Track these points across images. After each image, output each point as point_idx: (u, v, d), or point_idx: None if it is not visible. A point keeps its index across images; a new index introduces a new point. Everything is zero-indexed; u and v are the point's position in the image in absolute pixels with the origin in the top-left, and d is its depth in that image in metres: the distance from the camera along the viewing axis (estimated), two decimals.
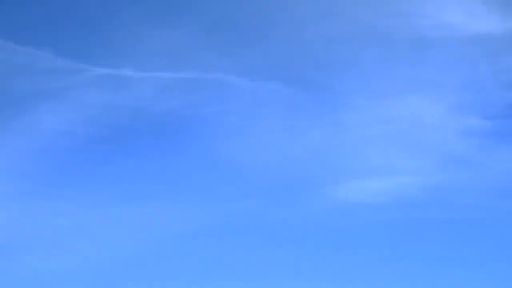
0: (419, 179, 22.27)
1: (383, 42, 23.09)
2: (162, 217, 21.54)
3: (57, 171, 22.22)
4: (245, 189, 22.30)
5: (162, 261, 20.93)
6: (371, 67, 23.41)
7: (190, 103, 23.31)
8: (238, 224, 21.61)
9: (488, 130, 23.36)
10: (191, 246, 21.22)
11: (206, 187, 22.33)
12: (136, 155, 22.85)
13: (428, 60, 23.32)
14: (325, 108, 23.44)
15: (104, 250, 20.92)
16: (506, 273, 21.15)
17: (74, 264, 20.53)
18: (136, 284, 20.57)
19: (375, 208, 21.64)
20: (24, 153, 22.01)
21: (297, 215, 21.60)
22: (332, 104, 23.43)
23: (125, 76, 23.35)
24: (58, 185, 21.94)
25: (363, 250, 21.52)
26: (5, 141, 22.07)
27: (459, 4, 22.92)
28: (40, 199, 21.46)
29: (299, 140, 23.12)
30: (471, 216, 21.91)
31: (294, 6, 23.02)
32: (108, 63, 23.30)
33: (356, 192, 22.00)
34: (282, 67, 23.58)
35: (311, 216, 21.56)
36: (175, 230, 21.27)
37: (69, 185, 22.26)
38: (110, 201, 21.72)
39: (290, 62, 23.56)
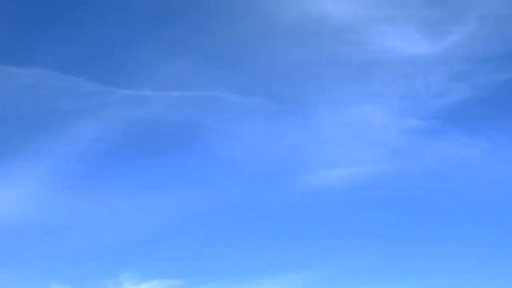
0: (369, 168, 26.52)
1: (340, 64, 26.82)
2: (174, 202, 26.04)
3: (93, 169, 26.66)
4: (237, 179, 26.49)
5: (176, 234, 25.66)
6: (331, 83, 27.15)
7: (194, 115, 27.15)
8: (233, 204, 26.02)
9: (422, 129, 27.22)
10: (198, 222, 25.87)
11: (207, 178, 26.54)
12: (153, 155, 27.05)
13: (375, 77, 27.10)
14: (297, 115, 27.37)
15: (129, 228, 25.54)
16: (438, 240, 25.76)
17: (107, 240, 25.19)
18: (152, 255, 25.33)
19: (337, 190, 26.13)
20: (69, 155, 26.31)
21: (277, 197, 26.05)
22: (302, 112, 27.31)
23: (144, 96, 27.16)
24: (94, 179, 26.53)
25: (328, 222, 26.04)
26: (54, 147, 26.24)
27: (397, 33, 26.62)
28: (80, 190, 26.17)
29: (277, 140, 27.10)
30: (410, 194, 26.37)
31: (271, 39, 26.75)
32: (130, 86, 27.12)
33: (322, 178, 26.29)
34: (263, 86, 27.30)
35: (288, 197, 26.04)
36: (185, 211, 25.92)
37: (102, 179, 26.71)
38: (133, 191, 26.31)
39: (269, 81, 27.29)
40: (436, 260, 25.31)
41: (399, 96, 27.23)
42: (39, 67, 26.55)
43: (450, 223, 26.18)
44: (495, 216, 26.33)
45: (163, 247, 25.71)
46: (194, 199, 25.95)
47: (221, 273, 25.16)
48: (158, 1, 26.84)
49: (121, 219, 25.73)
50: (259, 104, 27.29)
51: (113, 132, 26.61)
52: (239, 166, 26.72)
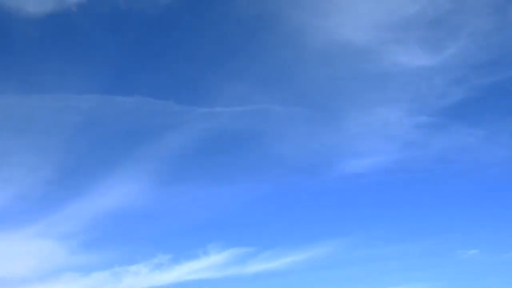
0: (389, 156, 31.59)
1: (361, 77, 31.54)
2: (241, 189, 31.83)
3: (182, 167, 32.35)
4: (287, 170, 31.79)
5: (245, 213, 31.64)
6: (355, 92, 31.87)
7: (253, 123, 32.11)
8: (285, 189, 31.76)
9: (429, 124, 31.73)
10: (261, 203, 31.58)
11: (263, 171, 31.97)
12: (225, 155, 32.54)
13: (389, 85, 31.71)
14: (330, 119, 32.11)
15: (211, 209, 31.56)
16: (445, 209, 31.29)
17: (196, 219, 31.36)
18: (230, 230, 31.36)
19: (364, 175, 31.49)
20: (164, 158, 31.83)
21: (318, 182, 31.66)
22: (334, 116, 32.08)
23: (216, 112, 32.10)
24: (183, 174, 32.25)
25: (358, 199, 31.73)
26: (153, 152, 31.62)
27: (405, 51, 30.95)
28: (174, 183, 31.99)
29: (316, 139, 31.93)
30: (421, 175, 31.60)
31: (307, 62, 31.39)
32: (206, 105, 32.18)
33: (352, 166, 31.56)
34: (302, 98, 31.99)
35: (326, 181, 31.60)
36: (249, 196, 31.71)
37: (189, 174, 32.39)
38: (212, 182, 32.14)
39: (307, 94, 32.00)
40: (442, 223, 30.83)
41: (409, 99, 31.78)
42: (138, 95, 32.31)
43: (454, 195, 31.44)
44: (491, 189, 31.27)
45: (237, 223, 31.82)
46: (254, 186, 31.88)
47: (280, 240, 31.18)
48: (222, 39, 32.20)
49: (205, 203, 31.92)
50: (300, 112, 32.15)
51: (195, 140, 32.20)
52: (288, 160, 31.93)
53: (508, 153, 30.58)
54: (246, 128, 32.01)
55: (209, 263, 30.30)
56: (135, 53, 32.49)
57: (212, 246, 30.42)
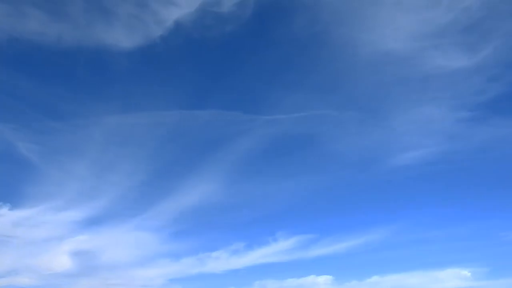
0: (433, 149, 34.22)
1: (404, 81, 34.29)
2: (303, 183, 35.54)
3: (250, 166, 36.08)
4: (342, 165, 35.29)
5: (307, 204, 35.08)
6: (400, 94, 34.67)
7: (309, 127, 35.59)
8: (340, 182, 35.30)
9: (470, 118, 34.02)
10: (320, 195, 35.22)
11: (322, 167, 35.62)
12: (285, 154, 36.02)
13: (431, 86, 34.18)
14: (379, 119, 35.12)
15: (278, 201, 35.17)
16: (485, 193, 33.55)
17: (266, 210, 34.93)
18: (295, 219, 34.92)
19: (411, 166, 34.28)
20: (235, 159, 35.77)
21: (370, 174, 34.95)
22: (382, 117, 35.08)
23: (277, 119, 35.75)
24: (252, 173, 36.08)
25: (407, 189, 34.79)
26: (226, 155, 35.75)
27: (443, 55, 33.40)
28: (244, 180, 35.83)
29: (366, 137, 35.20)
30: (462, 165, 34.13)
31: (356, 70, 34.29)
32: (268, 114, 35.89)
33: (400, 159, 34.41)
34: (352, 102, 35.26)
35: (377, 174, 34.84)
36: (310, 189, 35.54)
37: (257, 172, 36.30)
38: (276, 177, 35.65)
39: (356, 99, 35.23)
40: (485, 207, 33.44)
41: (450, 97, 34.16)
42: (212, 108, 36.59)
43: (495, 182, 34.01)
44: None
45: (301, 213, 35.59)
46: (315, 180, 35.58)
47: (339, 227, 34.71)
48: (281, 56, 36.01)
49: (273, 197, 35.73)
50: (352, 115, 35.30)
51: (261, 143, 36.08)
52: (343, 157, 35.25)
53: None
54: (304, 131, 35.70)
55: (277, 248, 34.02)
56: (208, 73, 36.94)
57: (280, 234, 34.05)
